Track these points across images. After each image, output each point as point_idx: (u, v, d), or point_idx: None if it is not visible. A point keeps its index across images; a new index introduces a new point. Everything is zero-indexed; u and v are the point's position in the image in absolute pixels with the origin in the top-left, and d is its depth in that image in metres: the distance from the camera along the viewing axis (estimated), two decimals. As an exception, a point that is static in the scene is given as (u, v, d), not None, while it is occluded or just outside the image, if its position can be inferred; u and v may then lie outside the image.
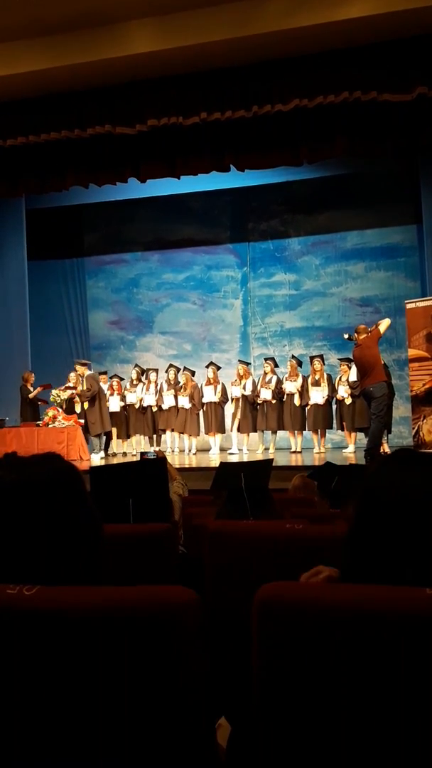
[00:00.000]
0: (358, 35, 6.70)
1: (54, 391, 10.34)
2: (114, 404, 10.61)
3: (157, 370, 10.90)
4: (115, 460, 10.18)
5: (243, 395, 10.06)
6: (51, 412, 10.07)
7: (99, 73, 7.27)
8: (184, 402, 10.24)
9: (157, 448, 10.16)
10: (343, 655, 0.92)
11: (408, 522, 1.00)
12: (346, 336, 8.36)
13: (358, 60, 6.91)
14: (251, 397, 10.08)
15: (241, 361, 10.61)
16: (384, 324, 7.90)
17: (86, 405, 10.17)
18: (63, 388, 10.43)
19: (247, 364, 10.60)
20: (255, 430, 10.20)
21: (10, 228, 11.19)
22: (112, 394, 10.69)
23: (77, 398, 10.32)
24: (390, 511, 1.02)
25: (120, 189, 9.37)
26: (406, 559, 0.99)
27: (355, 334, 7.95)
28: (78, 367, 10.39)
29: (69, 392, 10.36)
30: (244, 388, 10.09)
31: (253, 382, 10.26)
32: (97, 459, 10.00)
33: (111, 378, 11.00)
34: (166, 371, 10.80)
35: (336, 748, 0.93)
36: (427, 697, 0.89)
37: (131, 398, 10.64)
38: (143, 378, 10.90)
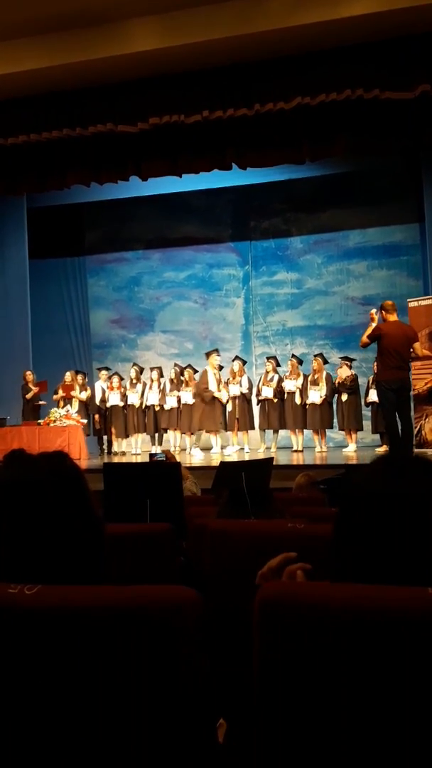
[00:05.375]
0: (361, 33, 6.67)
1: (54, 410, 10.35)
2: (114, 400, 10.62)
3: (160, 368, 10.85)
4: (115, 459, 10.20)
5: (242, 393, 10.04)
6: (54, 415, 10.08)
7: (100, 71, 7.26)
8: (188, 398, 10.20)
9: (163, 448, 10.15)
10: (344, 655, 0.92)
11: (386, 522, 1.00)
12: (374, 311, 7.67)
13: (361, 58, 6.88)
14: (248, 395, 10.07)
15: (237, 358, 10.54)
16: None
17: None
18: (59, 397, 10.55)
19: (244, 362, 10.55)
20: (253, 428, 10.19)
21: (11, 227, 11.19)
22: (112, 391, 10.69)
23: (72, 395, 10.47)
24: (368, 511, 1.02)
25: (121, 187, 9.35)
26: (384, 558, 0.99)
27: (383, 312, 7.46)
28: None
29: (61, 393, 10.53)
30: (240, 385, 10.07)
31: (249, 379, 10.25)
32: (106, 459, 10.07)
33: (112, 375, 10.96)
34: (173, 369, 10.74)
35: (337, 749, 0.92)
36: (430, 699, 0.88)
37: (132, 399, 10.62)
38: (143, 377, 10.88)
